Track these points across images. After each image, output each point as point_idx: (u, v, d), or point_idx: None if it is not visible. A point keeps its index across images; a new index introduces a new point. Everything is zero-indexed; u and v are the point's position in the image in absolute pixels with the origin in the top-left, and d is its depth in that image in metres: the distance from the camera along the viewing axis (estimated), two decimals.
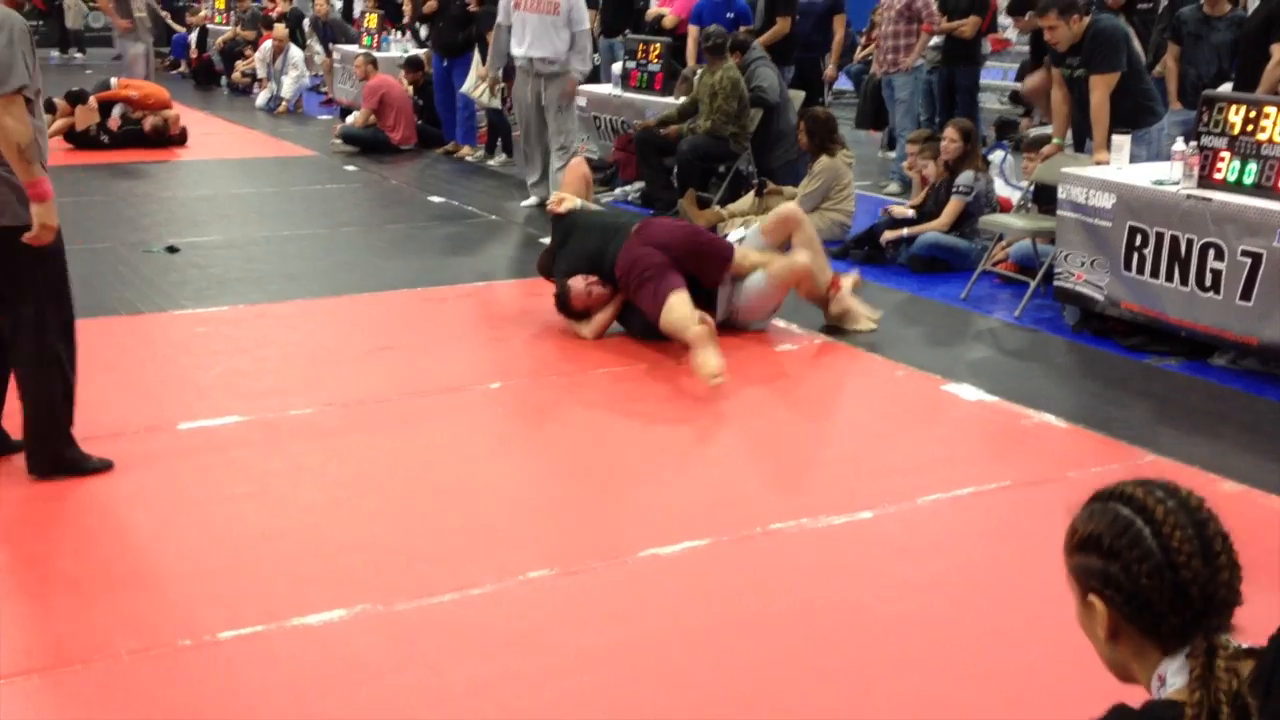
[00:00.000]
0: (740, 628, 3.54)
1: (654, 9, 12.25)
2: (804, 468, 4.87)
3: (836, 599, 3.73)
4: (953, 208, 7.63)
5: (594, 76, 11.58)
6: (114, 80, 12.69)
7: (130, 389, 5.47)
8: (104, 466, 4.52)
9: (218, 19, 19.99)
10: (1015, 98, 11.42)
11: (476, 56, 11.34)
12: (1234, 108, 5.87)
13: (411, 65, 13.27)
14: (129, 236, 8.51)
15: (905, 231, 7.69)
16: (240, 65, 17.67)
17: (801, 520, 4.21)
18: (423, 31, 13.35)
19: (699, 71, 9.66)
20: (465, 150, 12.20)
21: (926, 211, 7.89)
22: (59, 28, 22.67)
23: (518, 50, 9.21)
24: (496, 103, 11.39)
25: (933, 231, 7.64)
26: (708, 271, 6.15)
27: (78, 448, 4.49)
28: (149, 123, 12.44)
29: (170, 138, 12.52)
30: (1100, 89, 6.86)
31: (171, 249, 8.07)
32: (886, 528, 4.22)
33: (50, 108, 12.25)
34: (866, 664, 3.36)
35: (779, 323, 6.46)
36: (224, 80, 18.14)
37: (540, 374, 5.81)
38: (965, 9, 10.54)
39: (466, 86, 11.47)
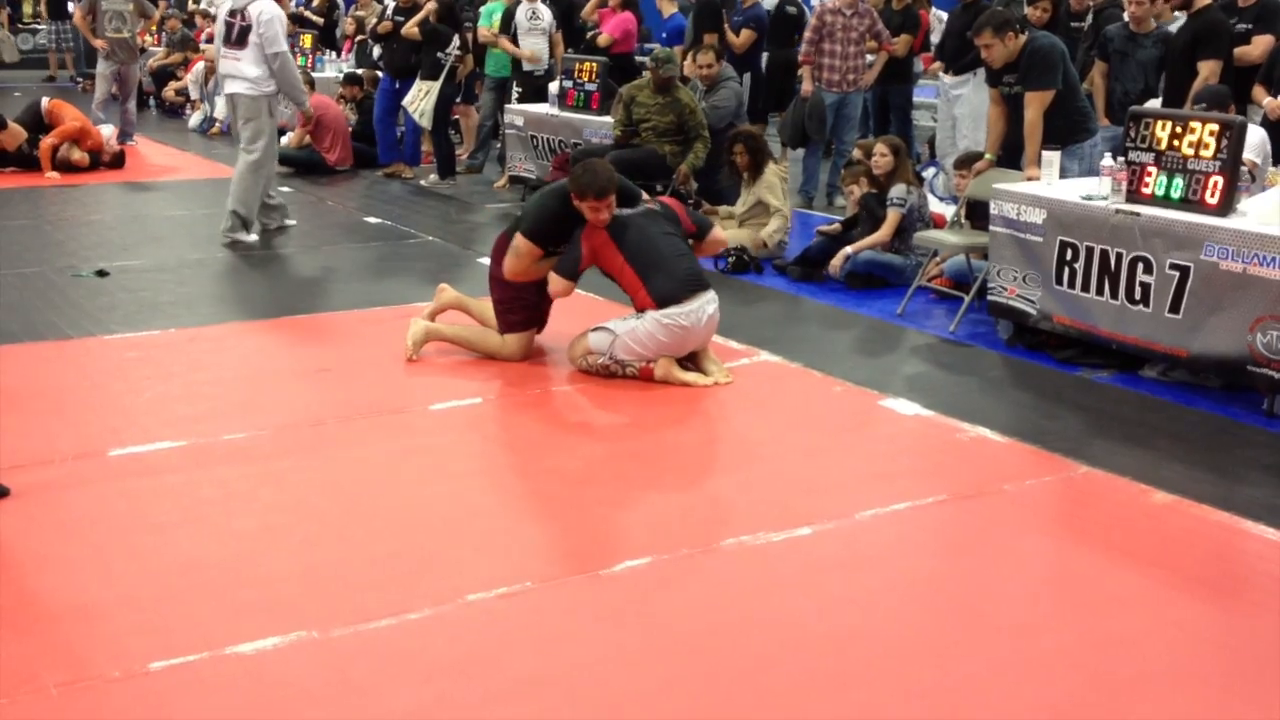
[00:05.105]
0: (681, 647, 3.53)
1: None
2: (742, 484, 4.87)
3: (777, 616, 3.73)
4: (892, 219, 7.68)
5: (537, 95, 11.52)
6: (45, 100, 12.44)
7: (60, 416, 5.36)
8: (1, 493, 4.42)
9: (148, 39, 19.76)
10: None
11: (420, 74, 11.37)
12: (1160, 123, 5.98)
13: (349, 80, 13.21)
14: (58, 260, 8.36)
15: (849, 250, 7.72)
16: (174, 84, 17.49)
17: (741, 537, 4.21)
18: (376, 51, 13.32)
19: (641, 86, 9.55)
20: (408, 170, 12.16)
21: (859, 228, 7.95)
22: None
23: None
24: (425, 122, 11.37)
25: (872, 248, 7.69)
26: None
27: None
28: (46, 145, 11.86)
29: (80, 168, 12.10)
30: (1034, 106, 6.97)
31: (101, 273, 7.94)
32: (825, 544, 4.23)
33: None
34: (807, 680, 3.36)
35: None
36: (153, 101, 17.92)
37: (477, 396, 5.78)
38: (898, 28, 10.66)
39: (407, 99, 11.44)
